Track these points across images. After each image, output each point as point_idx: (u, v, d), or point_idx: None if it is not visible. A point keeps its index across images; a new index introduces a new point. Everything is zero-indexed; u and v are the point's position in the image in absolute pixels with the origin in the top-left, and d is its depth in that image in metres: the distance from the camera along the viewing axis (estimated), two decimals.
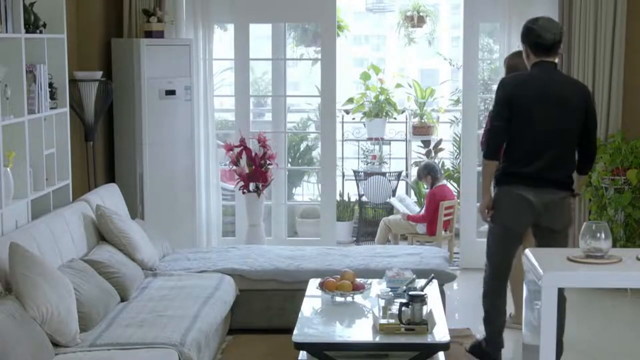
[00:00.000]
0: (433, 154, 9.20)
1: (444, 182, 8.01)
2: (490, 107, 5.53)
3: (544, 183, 4.89)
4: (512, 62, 5.68)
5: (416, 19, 9.71)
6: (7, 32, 4.89)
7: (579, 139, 4.96)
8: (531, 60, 4.97)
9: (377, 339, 4.39)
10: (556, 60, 5.00)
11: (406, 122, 9.43)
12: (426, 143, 9.39)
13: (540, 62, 4.92)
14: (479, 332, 5.53)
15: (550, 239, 4.96)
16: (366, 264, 5.87)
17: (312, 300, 5.00)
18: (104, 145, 6.87)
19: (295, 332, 4.48)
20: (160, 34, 6.96)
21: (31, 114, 5.15)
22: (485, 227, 5.89)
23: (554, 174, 4.90)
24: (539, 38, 4.88)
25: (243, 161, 7.32)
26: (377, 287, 5.07)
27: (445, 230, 7.56)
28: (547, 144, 4.87)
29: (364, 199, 8.62)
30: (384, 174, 8.72)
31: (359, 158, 9.23)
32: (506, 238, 5.07)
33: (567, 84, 5.05)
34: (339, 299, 4.96)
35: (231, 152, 7.35)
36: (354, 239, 8.51)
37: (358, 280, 5.09)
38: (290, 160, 8.98)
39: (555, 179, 4.91)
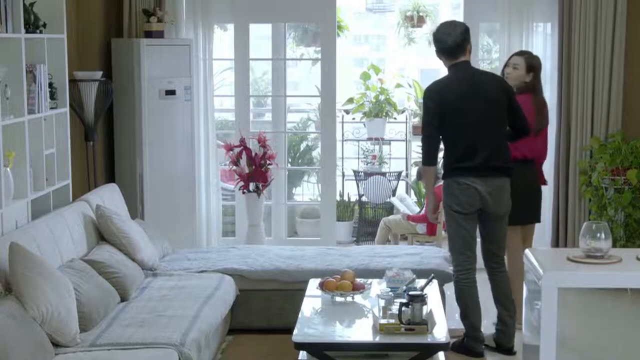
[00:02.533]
0: None
1: None
2: None
3: (487, 172, 5.21)
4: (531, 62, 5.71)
5: (416, 19, 9.71)
6: (7, 32, 4.88)
7: (510, 122, 5.31)
8: (446, 64, 5.31)
9: (377, 339, 4.39)
10: (468, 59, 5.29)
11: (406, 122, 9.42)
12: None
13: (454, 64, 5.27)
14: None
15: (494, 224, 5.32)
16: (366, 264, 5.87)
17: (312, 300, 5.01)
18: (104, 145, 6.87)
19: (295, 332, 4.48)
20: (160, 34, 6.96)
21: (31, 114, 5.15)
22: None
23: (495, 163, 5.22)
24: (443, 44, 5.25)
25: (243, 161, 7.32)
26: (377, 287, 5.08)
27: (445, 230, 7.54)
28: (482, 137, 5.19)
29: (364, 199, 8.61)
30: (384, 174, 8.71)
31: (359, 158, 9.22)
32: (462, 220, 5.27)
33: (486, 79, 5.35)
34: (339, 299, 4.96)
35: (231, 152, 7.34)
36: (354, 239, 8.51)
37: (358, 280, 5.10)
38: (290, 160, 8.97)
39: (497, 167, 5.23)
